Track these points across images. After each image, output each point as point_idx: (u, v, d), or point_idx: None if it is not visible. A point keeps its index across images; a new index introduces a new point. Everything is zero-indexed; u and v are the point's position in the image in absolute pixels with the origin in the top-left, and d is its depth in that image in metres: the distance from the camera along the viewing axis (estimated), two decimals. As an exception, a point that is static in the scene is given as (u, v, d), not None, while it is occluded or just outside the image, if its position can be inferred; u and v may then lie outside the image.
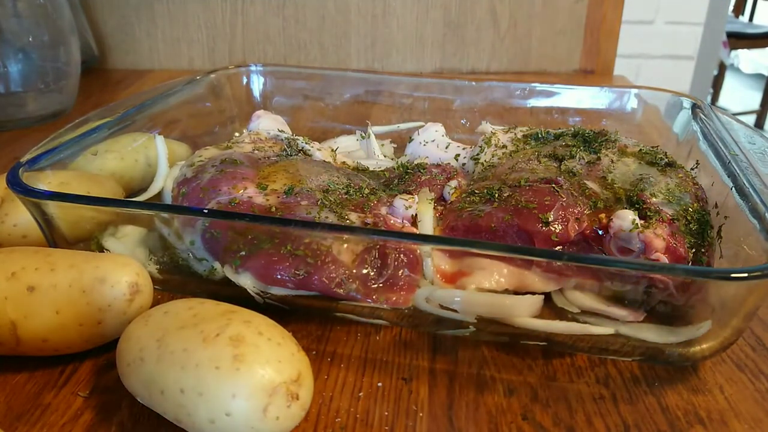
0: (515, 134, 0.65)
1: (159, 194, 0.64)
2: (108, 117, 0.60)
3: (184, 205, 0.53)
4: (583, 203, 0.49)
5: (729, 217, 0.48)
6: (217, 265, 0.47)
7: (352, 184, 0.55)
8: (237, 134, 0.78)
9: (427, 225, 0.51)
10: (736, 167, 0.49)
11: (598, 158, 0.56)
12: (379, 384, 0.42)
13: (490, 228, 0.49)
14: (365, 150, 0.72)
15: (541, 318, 0.43)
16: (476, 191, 0.53)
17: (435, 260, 0.47)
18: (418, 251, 0.46)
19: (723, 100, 3.71)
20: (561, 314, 0.45)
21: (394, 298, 0.45)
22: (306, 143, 0.64)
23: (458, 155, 0.65)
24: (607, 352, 0.44)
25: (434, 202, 0.54)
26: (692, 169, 0.58)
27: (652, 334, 0.42)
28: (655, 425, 0.39)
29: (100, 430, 0.38)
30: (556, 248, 0.47)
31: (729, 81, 3.83)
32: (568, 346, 0.44)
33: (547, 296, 0.46)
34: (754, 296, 0.39)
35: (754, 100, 3.63)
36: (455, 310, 0.43)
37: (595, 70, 1.22)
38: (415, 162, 0.62)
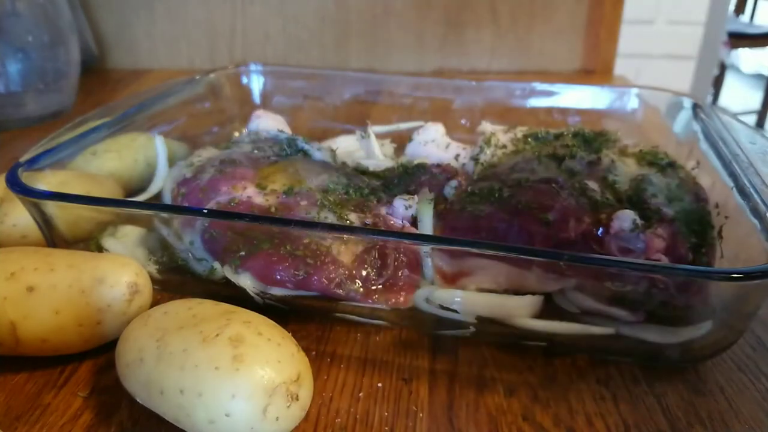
0: (515, 134, 0.65)
1: (159, 194, 0.64)
2: (108, 117, 0.60)
3: (184, 205, 0.53)
4: (583, 203, 0.49)
5: (730, 217, 0.48)
6: (216, 265, 0.47)
7: (351, 184, 0.55)
8: (236, 134, 0.78)
9: (427, 225, 0.51)
10: (736, 167, 0.49)
11: (599, 158, 0.56)
12: (379, 384, 0.42)
13: (490, 228, 0.49)
14: (365, 150, 0.72)
15: (541, 318, 0.43)
16: (476, 191, 0.53)
17: (435, 260, 0.47)
18: (418, 251, 0.46)
19: (723, 100, 3.71)
20: (561, 314, 0.45)
21: (393, 299, 0.45)
22: (306, 143, 0.64)
23: (458, 155, 0.65)
24: (608, 353, 0.44)
25: (434, 202, 0.54)
26: (693, 169, 0.58)
27: (652, 334, 0.42)
28: (656, 425, 0.39)
29: (100, 431, 0.38)
30: (556, 248, 0.47)
31: (729, 81, 3.82)
32: (568, 346, 0.44)
33: (548, 296, 0.46)
34: (755, 296, 0.38)
35: (755, 100, 3.62)
36: (455, 311, 0.43)
37: (595, 70, 1.22)
38: (415, 162, 0.62)
